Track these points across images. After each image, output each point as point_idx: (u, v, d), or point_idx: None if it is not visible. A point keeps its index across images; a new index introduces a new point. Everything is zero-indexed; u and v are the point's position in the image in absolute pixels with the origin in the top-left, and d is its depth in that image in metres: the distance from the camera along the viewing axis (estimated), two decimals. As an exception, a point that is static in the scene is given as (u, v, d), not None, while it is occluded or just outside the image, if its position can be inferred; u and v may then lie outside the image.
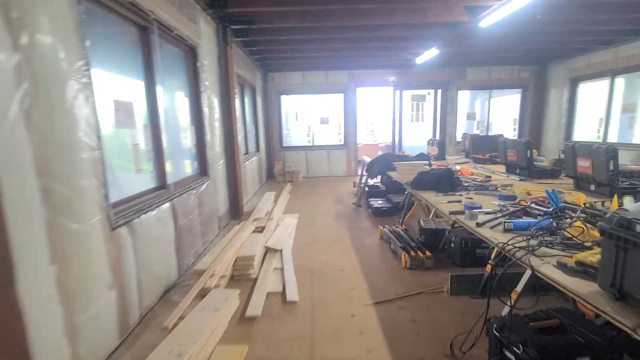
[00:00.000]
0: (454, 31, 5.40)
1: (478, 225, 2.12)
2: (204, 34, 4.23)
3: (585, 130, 7.99)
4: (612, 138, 7.14)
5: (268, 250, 3.63)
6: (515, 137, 9.43)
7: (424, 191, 3.28)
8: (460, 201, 2.78)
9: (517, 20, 4.73)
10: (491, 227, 2.09)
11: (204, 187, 3.97)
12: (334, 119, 9.34)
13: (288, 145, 9.44)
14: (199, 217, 3.78)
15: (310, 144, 9.36)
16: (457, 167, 4.49)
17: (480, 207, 2.48)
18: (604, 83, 7.32)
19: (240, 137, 6.49)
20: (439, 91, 9.24)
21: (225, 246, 3.41)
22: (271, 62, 8.29)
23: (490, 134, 9.38)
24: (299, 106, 9.45)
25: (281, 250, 3.65)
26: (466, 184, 3.43)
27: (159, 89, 3.07)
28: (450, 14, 4.77)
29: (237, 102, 6.18)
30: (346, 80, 9.05)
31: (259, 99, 8.32)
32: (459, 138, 9.45)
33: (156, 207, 2.80)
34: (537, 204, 2.44)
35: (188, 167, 3.91)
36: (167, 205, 3.01)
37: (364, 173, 5.76)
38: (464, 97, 9.54)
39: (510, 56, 8.06)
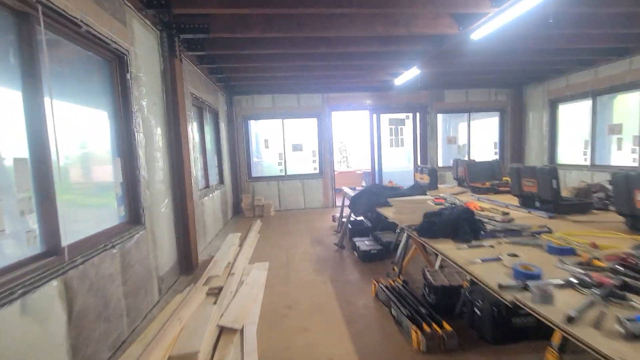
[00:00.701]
0: (440, 46, 4.84)
1: (571, 320, 1.23)
2: (139, 40, 3.29)
3: (570, 153, 7.69)
4: (602, 160, 6.81)
5: (223, 332, 2.55)
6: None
7: (437, 240, 2.41)
8: (500, 258, 1.92)
9: (510, 32, 4.24)
10: (594, 325, 1.21)
11: (133, 241, 2.87)
12: (308, 145, 8.53)
13: (258, 176, 8.44)
14: (123, 286, 2.65)
15: (283, 174, 8.42)
16: (459, 201, 3.72)
17: (540, 275, 1.62)
18: (585, 104, 7.11)
19: (198, 169, 5.46)
20: (418, 115, 8.77)
21: (156, 334, 2.30)
22: (236, 84, 7.45)
23: (471, 158, 8.95)
24: (269, 132, 8.58)
25: (242, 330, 2.58)
26: (488, 227, 2.61)
27: (48, 105, 2.04)
28: (437, 26, 4.18)
29: (194, 127, 5.19)
30: (320, 103, 8.36)
31: (222, 125, 7.37)
32: (440, 163, 8.94)
33: (28, 291, 1.70)
34: (626, 266, 1.61)
35: (108, 215, 2.80)
36: (53, 283, 1.91)
37: (348, 208, 4.87)
38: (440, 121, 9.13)
39: (486, 78, 7.76)
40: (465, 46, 5.05)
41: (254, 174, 8.41)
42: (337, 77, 6.86)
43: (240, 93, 7.99)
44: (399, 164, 9.06)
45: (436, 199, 3.89)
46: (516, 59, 5.96)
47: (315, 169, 8.61)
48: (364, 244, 4.48)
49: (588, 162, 7.00)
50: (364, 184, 5.11)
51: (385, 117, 8.72)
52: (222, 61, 5.52)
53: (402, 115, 8.76)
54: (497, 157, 9.14)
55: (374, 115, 8.64)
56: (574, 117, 7.60)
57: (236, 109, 8.08)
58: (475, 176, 4.74)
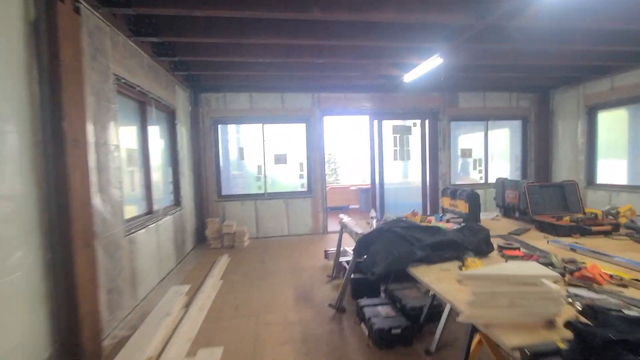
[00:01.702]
0: (484, 16, 3.35)
1: None
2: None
3: (614, 170, 6.31)
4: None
5: None
6: (520, 179, 7.61)
7: None
8: None
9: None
10: None
11: None
12: (294, 156, 6.90)
13: (230, 194, 6.72)
14: None
15: (261, 192, 6.73)
16: (555, 259, 2.12)
17: None
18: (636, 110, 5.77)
19: (136, 186, 3.76)
20: (427, 122, 7.30)
21: None
22: (203, 78, 5.80)
23: (488, 175, 7.51)
24: (245, 140, 6.92)
25: None
26: None
27: None
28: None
29: (121, 127, 3.49)
30: (310, 105, 6.78)
31: (182, 129, 5.68)
32: (450, 180, 7.44)
33: None
34: None
35: None
36: None
37: (353, 252, 3.25)
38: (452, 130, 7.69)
39: (507, 77, 6.36)
40: (514, 21, 3.58)
41: (225, 192, 6.69)
42: (332, 69, 5.29)
43: (208, 89, 6.34)
44: (404, 178, 7.51)
45: (508, 250, 2.30)
46: (569, 48, 4.55)
47: (302, 185, 6.96)
48: (378, 314, 2.82)
49: (644, 183, 5.60)
50: (373, 215, 3.48)
51: (388, 124, 7.20)
52: (185, 50, 3.93)
53: (408, 122, 7.27)
54: (518, 173, 7.73)
55: (375, 122, 7.11)
56: (618, 127, 6.26)
57: (203, 110, 6.40)
58: (541, 206, 3.19)
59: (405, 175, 7.43)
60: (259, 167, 6.73)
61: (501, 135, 7.74)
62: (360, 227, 3.52)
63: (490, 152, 7.55)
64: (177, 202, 5.31)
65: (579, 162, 6.71)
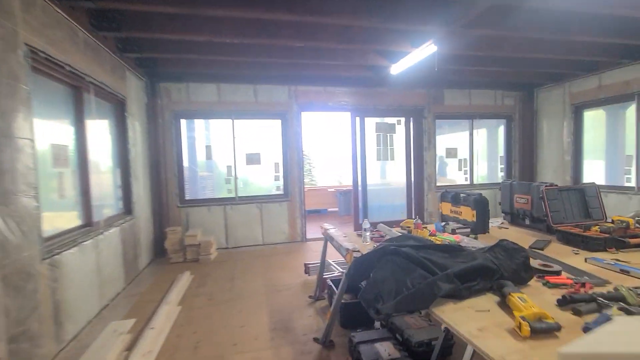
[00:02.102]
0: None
1: None
2: None
3: (601, 171, 6.15)
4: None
5: None
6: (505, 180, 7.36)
7: None
8: None
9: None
10: None
11: None
12: (268, 156, 6.20)
13: (194, 199, 5.90)
14: None
15: (232, 195, 5.97)
16: (626, 293, 1.60)
17: None
18: (627, 109, 5.61)
19: (68, 192, 2.94)
20: (412, 120, 6.85)
21: None
22: (161, 62, 4.97)
23: (472, 177, 7.19)
24: (212, 137, 6.13)
25: None
26: None
27: None
28: None
29: (35, 118, 2.66)
30: (286, 99, 6.10)
31: (135, 123, 4.82)
32: (441, 182, 7.04)
33: None
34: None
35: None
36: None
37: (348, 279, 2.63)
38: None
39: (494, 72, 6.03)
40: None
41: (189, 196, 5.86)
42: (312, 55, 4.64)
43: (169, 78, 5.49)
44: (388, 179, 7.02)
45: (551, 276, 1.78)
46: (566, 39, 4.19)
47: (278, 188, 6.26)
48: (378, 357, 2.21)
49: (633, 184, 5.42)
50: (367, 226, 2.88)
51: (370, 122, 6.68)
52: (132, 21, 3.13)
53: (392, 120, 6.78)
54: (502, 174, 7.48)
55: (357, 119, 6.56)
56: (603, 126, 6.10)
57: (163, 101, 5.55)
58: (561, 213, 2.72)
59: (388, 176, 6.94)
60: (229, 167, 5.95)
61: (484, 135, 7.45)
62: (350, 240, 2.90)
63: (476, 152, 7.23)
64: (128, 209, 4.45)
65: (565, 162, 6.52)
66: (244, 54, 4.47)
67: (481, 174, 7.30)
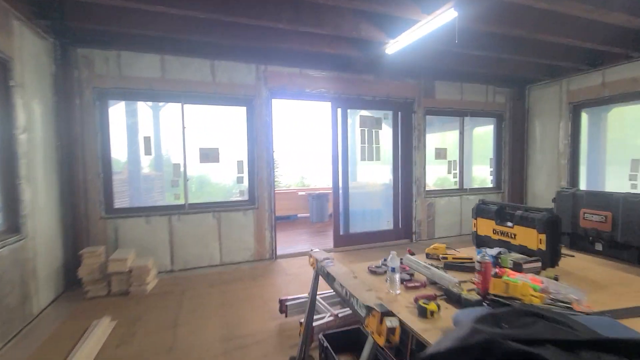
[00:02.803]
0: None
1: None
2: None
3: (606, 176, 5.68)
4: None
5: None
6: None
7: None
8: None
9: None
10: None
11: None
12: (229, 152, 4.92)
13: (127, 207, 4.44)
14: None
15: (181, 202, 4.59)
16: None
17: None
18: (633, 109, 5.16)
19: None
20: (400, 114, 5.94)
21: None
22: (80, 20, 3.49)
23: (463, 179, 6.47)
24: (155, 125, 4.71)
25: None
26: None
27: None
28: None
29: None
30: (253, 81, 4.86)
31: (33, 102, 3.31)
32: (429, 185, 6.22)
33: None
34: None
35: None
36: None
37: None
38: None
39: (489, 59, 5.34)
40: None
41: (120, 204, 4.38)
42: (289, 17, 3.49)
43: (91, 42, 4.00)
44: (372, 182, 6.04)
45: None
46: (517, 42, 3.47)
47: (242, 193, 5.00)
48: None
49: (640, 190, 4.96)
50: (394, 262, 1.83)
51: (354, 114, 5.66)
52: None
53: (378, 114, 5.81)
54: (491, 178, 6.86)
55: (339, 110, 5.49)
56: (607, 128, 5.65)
57: (82, 74, 4.04)
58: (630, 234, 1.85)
59: (373, 179, 5.96)
60: (176, 166, 4.58)
61: (472, 135, 6.78)
62: (365, 284, 1.79)
63: (466, 154, 6.52)
64: (13, 226, 2.95)
65: (561, 166, 6.00)
66: (198, 11, 3.19)
67: (474, 177, 6.61)
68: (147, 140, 4.46)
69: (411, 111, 5.90)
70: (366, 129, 5.68)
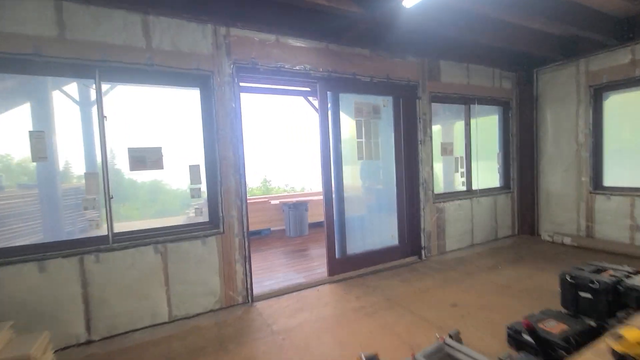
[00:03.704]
0: None
1: None
2: None
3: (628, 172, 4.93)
4: None
5: None
6: (500, 184, 5.84)
7: None
8: None
9: None
10: None
11: None
12: (177, 154, 3.38)
13: (6, 247, 2.73)
14: None
15: (102, 233, 2.97)
16: None
17: None
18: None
19: None
20: (401, 101, 4.75)
21: None
22: None
23: (468, 179, 5.46)
24: (49, 113, 3.04)
25: None
26: None
27: None
28: None
29: None
30: (210, 50, 3.36)
31: None
32: (439, 189, 5.10)
33: None
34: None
35: None
36: None
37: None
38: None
39: (490, 46, 4.43)
40: None
41: (-9, 243, 2.68)
42: None
43: None
44: (371, 186, 4.78)
45: None
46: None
47: (198, 212, 3.47)
48: None
49: (685, 185, 4.22)
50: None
51: (348, 101, 4.36)
52: None
53: (376, 100, 4.57)
54: (498, 176, 5.94)
55: (329, 95, 4.17)
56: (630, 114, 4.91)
57: None
58: None
59: (371, 182, 4.71)
60: (91, 177, 2.95)
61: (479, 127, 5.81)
62: None
63: (475, 149, 5.52)
64: None
65: (582, 160, 5.19)
66: None
67: (485, 177, 5.62)
68: (36, 137, 2.79)
69: (415, 97, 4.74)
70: (362, 120, 4.42)
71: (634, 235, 4.64)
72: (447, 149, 5.24)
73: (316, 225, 7.52)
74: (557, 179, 5.53)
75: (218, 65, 3.39)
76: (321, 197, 7.94)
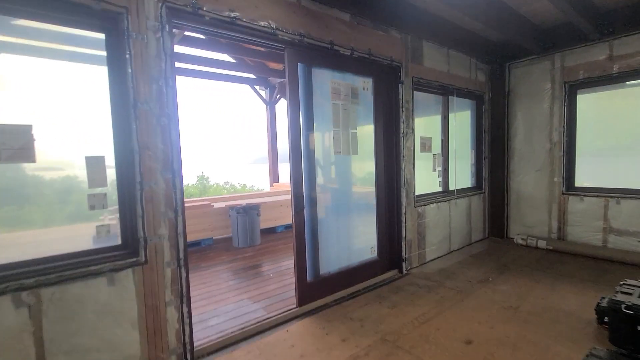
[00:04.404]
0: None
1: None
2: None
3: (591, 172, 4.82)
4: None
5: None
6: (472, 183, 5.46)
7: None
8: None
9: None
10: None
11: None
12: (62, 134, 2.07)
13: None
14: None
15: None
16: None
17: None
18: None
19: None
20: (382, 85, 3.93)
21: None
22: None
23: (444, 178, 4.93)
24: None
25: None
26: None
27: None
28: None
29: None
30: (121, -29, 2.10)
31: None
32: (418, 190, 4.41)
33: None
34: None
35: None
36: None
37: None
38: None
39: (469, 31, 3.98)
40: None
41: None
42: None
43: None
44: (347, 186, 3.88)
45: None
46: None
47: (102, 231, 2.19)
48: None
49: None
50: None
51: (321, 78, 3.38)
52: None
53: (355, 81, 3.67)
54: (471, 172, 5.54)
55: (300, 67, 3.15)
56: (603, 113, 4.80)
57: None
58: None
59: (347, 182, 3.81)
60: None
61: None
62: None
63: (453, 145, 4.99)
64: None
65: (555, 159, 4.99)
66: None
67: (460, 177, 5.12)
68: None
69: (397, 81, 3.97)
70: (340, 104, 3.49)
71: (607, 238, 4.52)
72: (426, 145, 4.60)
73: (268, 232, 6.43)
74: (529, 178, 5.29)
75: (136, 0, 2.15)
76: (273, 198, 6.86)
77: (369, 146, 3.86)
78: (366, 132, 3.84)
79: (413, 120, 4.16)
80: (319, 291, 3.31)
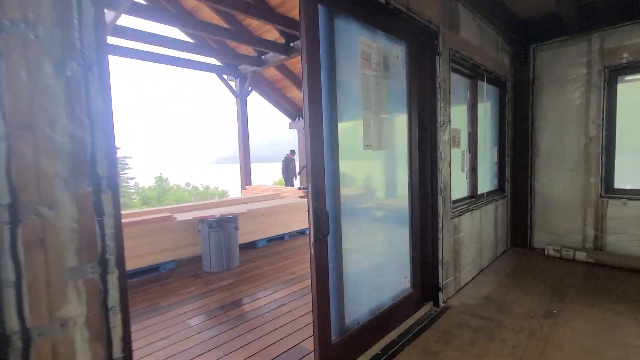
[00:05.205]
0: None
1: None
2: None
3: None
4: None
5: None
6: (495, 186, 4.66)
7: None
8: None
9: None
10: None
11: None
12: None
13: None
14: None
15: None
16: None
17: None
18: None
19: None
20: (416, 55, 2.91)
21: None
22: None
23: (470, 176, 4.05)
24: None
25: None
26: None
27: None
28: None
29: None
30: None
31: None
32: (448, 192, 3.44)
33: None
34: None
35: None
36: None
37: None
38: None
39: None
40: None
41: None
42: None
43: None
44: (376, 192, 2.80)
45: None
46: None
47: None
48: None
49: None
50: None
51: (347, 34, 2.27)
52: None
53: (388, 45, 2.60)
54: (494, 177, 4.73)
55: (320, 11, 2.01)
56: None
57: None
58: None
59: (378, 187, 2.73)
60: None
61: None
62: None
63: (482, 141, 4.11)
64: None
65: (591, 157, 4.30)
66: None
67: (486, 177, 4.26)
68: None
69: (434, 51, 2.97)
70: (371, 76, 2.41)
71: (657, 248, 3.89)
72: (455, 139, 3.65)
73: (247, 248, 5.20)
74: (558, 179, 4.57)
75: None
76: (251, 205, 5.61)
77: (400, 139, 2.82)
78: (396, 120, 2.79)
79: (450, 105, 3.19)
80: (346, 354, 2.21)
